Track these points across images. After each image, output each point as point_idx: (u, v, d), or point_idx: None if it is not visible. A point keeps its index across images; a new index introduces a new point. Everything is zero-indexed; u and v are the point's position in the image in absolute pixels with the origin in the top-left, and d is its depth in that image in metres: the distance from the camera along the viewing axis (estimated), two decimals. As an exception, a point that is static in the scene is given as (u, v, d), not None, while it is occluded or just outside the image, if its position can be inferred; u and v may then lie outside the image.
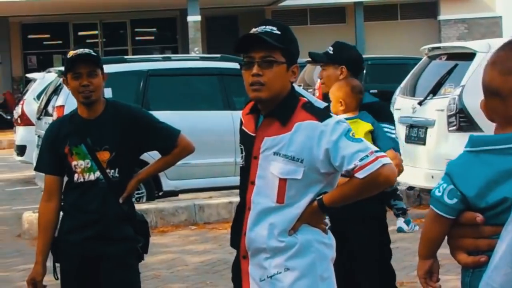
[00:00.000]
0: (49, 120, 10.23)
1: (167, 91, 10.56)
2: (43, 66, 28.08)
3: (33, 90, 15.60)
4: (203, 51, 25.18)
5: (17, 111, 15.42)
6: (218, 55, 11.18)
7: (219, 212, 10.16)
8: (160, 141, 4.40)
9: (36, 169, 4.51)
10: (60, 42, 32.04)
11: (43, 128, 10.64)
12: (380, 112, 4.95)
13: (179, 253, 8.59)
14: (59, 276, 4.38)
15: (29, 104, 14.71)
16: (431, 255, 2.67)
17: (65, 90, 9.92)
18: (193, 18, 25.05)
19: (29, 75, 19.11)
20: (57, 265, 4.35)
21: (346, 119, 4.14)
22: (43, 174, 4.42)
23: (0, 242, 9.52)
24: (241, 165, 3.58)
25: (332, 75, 4.99)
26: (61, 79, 4.01)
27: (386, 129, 4.86)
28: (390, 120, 4.96)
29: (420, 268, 2.70)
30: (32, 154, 11.85)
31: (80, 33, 32.00)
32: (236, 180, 4.02)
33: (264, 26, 3.39)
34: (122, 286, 4.34)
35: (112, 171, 4.27)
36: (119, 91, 9.92)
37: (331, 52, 5.02)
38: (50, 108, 10.63)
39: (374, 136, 4.78)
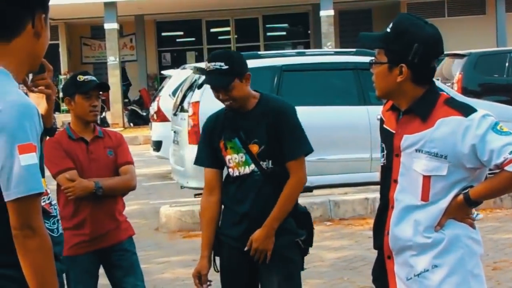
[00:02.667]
0: (185, 116, 10.36)
1: (302, 86, 10.49)
2: (176, 63, 28.66)
3: (169, 86, 15.87)
4: (336, 46, 25.03)
5: (153, 108, 15.72)
6: (353, 50, 11.03)
7: (354, 208, 10.04)
8: (284, 151, 4.30)
9: (195, 163, 4.50)
10: (193, 39, 32.59)
11: (179, 124, 10.81)
12: None
13: (315, 248, 8.47)
14: (219, 268, 4.42)
15: (165, 101, 14.96)
16: None
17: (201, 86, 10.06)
18: (326, 13, 24.95)
19: (164, 72, 19.49)
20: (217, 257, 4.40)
21: None
22: (193, 169, 4.41)
23: (139, 235, 9.67)
24: (382, 164, 3.52)
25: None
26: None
27: None
28: None
29: None
30: (168, 149, 12.05)
31: (212, 30, 32.45)
32: (371, 176, 3.91)
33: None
34: (281, 280, 4.29)
35: (265, 163, 4.25)
36: (254, 86, 9.91)
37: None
38: (185, 104, 10.76)
39: None
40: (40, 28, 2.82)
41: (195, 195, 9.94)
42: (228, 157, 4.28)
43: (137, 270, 5.18)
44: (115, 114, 25.95)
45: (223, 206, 4.40)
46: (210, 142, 4.35)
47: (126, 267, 5.14)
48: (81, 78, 5.00)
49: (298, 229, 4.37)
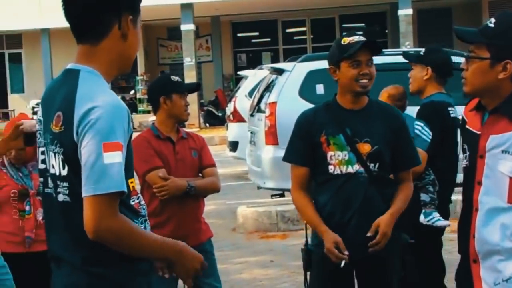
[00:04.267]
0: (262, 116, 10.34)
1: (380, 86, 10.34)
2: (252, 63, 28.71)
3: (245, 87, 15.88)
4: (414, 46, 24.68)
5: (229, 108, 15.74)
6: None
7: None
8: (403, 158, 4.22)
9: (285, 159, 4.36)
10: (269, 39, 32.60)
11: (256, 125, 10.79)
12: (420, 111, 5.18)
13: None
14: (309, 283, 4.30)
15: (241, 101, 14.97)
16: None
17: (278, 87, 10.02)
18: (405, 12, 24.65)
19: (240, 73, 19.51)
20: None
21: None
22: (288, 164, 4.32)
23: (216, 235, 9.68)
24: (464, 165, 3.40)
25: (417, 74, 5.23)
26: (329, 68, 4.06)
27: (416, 126, 5.05)
28: (422, 118, 5.07)
29: None
30: (245, 150, 12.05)
31: (288, 30, 32.42)
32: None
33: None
34: (379, 286, 4.23)
35: (372, 164, 4.11)
36: (332, 86, 9.84)
37: (421, 53, 5.32)
38: (262, 105, 10.74)
39: None
40: (127, 30, 2.85)
41: (272, 195, 9.93)
42: (330, 154, 4.13)
43: (215, 272, 5.18)
44: (191, 115, 25.80)
45: (313, 205, 4.25)
46: (306, 138, 4.20)
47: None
48: (174, 78, 5.11)
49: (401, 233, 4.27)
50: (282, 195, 9.96)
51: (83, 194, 2.66)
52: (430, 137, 5.04)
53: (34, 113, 28.43)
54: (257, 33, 33.08)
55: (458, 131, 4.89)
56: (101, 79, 2.81)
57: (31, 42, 31.83)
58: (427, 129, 5.05)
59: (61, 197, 2.80)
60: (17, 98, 32.06)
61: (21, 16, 29.23)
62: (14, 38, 32.28)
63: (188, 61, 26.22)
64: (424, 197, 5.12)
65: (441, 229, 5.20)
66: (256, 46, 32.85)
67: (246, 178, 12.37)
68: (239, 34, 33.10)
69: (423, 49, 5.50)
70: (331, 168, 4.15)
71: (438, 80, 5.24)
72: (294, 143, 4.32)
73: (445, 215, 5.19)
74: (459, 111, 4.44)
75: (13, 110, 31.80)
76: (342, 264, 4.05)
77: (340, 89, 4.22)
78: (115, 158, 2.64)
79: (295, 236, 9.04)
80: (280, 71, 10.38)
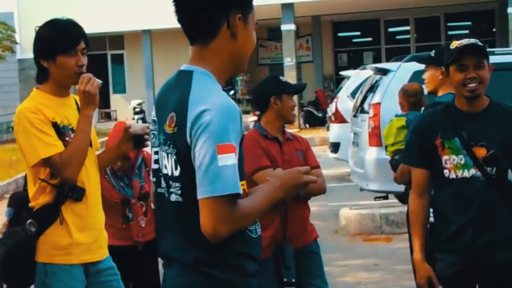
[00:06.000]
0: (365, 117, 10.21)
1: (491, 87, 10.04)
2: (353, 63, 28.51)
3: (347, 87, 15.72)
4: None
5: (330, 109, 15.62)
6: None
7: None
8: None
9: (403, 162, 4.40)
10: (370, 39, 32.33)
11: (359, 126, 10.66)
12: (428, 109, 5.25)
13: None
14: None
15: (343, 102, 14.84)
16: None
17: (382, 87, 9.87)
18: (516, 9, 24.01)
19: (343, 73, 19.36)
20: None
21: (398, 116, 5.87)
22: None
23: (318, 237, 9.64)
24: None
25: (433, 75, 5.33)
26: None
27: None
28: None
29: None
30: (346, 151, 11.92)
31: (390, 30, 32.07)
32: None
33: None
34: None
35: (489, 168, 3.96)
36: (438, 87, 9.63)
37: (432, 55, 5.44)
38: (366, 106, 10.61)
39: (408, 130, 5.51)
40: (236, 29, 2.82)
41: (376, 198, 9.79)
42: (445, 158, 4.01)
43: (322, 273, 5.12)
44: (291, 115, 26.10)
45: (431, 211, 4.16)
46: (423, 141, 4.09)
47: (311, 269, 5.07)
48: (283, 78, 5.15)
49: None
50: (386, 197, 9.82)
51: (199, 196, 2.67)
52: None
53: (136, 113, 28.94)
54: (358, 33, 32.85)
55: None
56: (214, 80, 2.80)
57: (133, 43, 32.41)
58: None
59: (173, 197, 2.82)
60: (119, 99, 32.71)
61: (123, 18, 29.80)
62: (116, 39, 32.94)
63: (289, 61, 26.22)
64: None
65: None
66: (357, 46, 32.62)
67: (348, 180, 12.23)
68: (340, 34, 32.94)
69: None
70: (446, 172, 4.03)
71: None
72: (411, 146, 4.25)
73: None
74: None
75: (115, 110, 32.48)
76: None
77: (457, 93, 4.10)
78: (229, 160, 2.64)
79: (400, 240, 8.89)
80: (384, 71, 10.23)
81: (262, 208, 2.77)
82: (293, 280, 4.68)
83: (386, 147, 5.73)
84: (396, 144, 5.59)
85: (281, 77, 5.11)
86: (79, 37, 3.98)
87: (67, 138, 3.96)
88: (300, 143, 5.14)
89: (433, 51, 5.53)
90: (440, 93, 5.37)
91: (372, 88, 10.77)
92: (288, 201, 4.80)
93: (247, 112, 24.32)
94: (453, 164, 3.99)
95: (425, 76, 5.45)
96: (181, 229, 2.81)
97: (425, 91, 5.70)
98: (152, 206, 5.46)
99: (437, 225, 4.11)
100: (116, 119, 31.31)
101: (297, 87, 5.30)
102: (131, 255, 5.24)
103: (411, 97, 5.95)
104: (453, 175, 4.00)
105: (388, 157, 6.35)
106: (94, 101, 3.97)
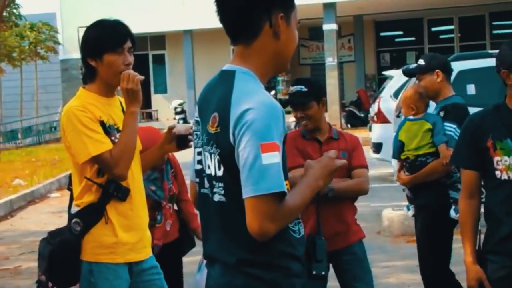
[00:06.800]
0: (408, 117, 10.11)
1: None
2: (395, 63, 28.33)
3: (390, 87, 15.57)
4: None
5: (373, 109, 15.51)
6: None
7: None
8: None
9: (452, 162, 4.35)
10: (413, 38, 32.12)
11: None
12: (448, 112, 5.48)
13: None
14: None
15: (386, 102, 14.71)
16: None
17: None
18: None
19: (386, 73, 19.22)
20: None
21: (413, 120, 5.60)
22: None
23: (361, 238, 9.62)
24: None
25: (431, 80, 5.57)
26: None
27: (446, 127, 5.43)
28: (453, 119, 5.41)
29: None
30: (389, 151, 11.78)
31: (433, 29, 31.81)
32: None
33: None
34: None
35: None
36: (483, 87, 9.54)
37: (423, 63, 5.64)
38: (409, 105, 10.49)
39: (432, 133, 5.51)
40: (278, 28, 2.80)
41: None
42: (496, 159, 3.91)
43: (366, 276, 5.03)
44: (332, 115, 26.00)
45: (484, 215, 4.07)
46: (474, 142, 4.00)
47: (354, 272, 5.01)
48: (292, 90, 5.12)
49: None
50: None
51: (244, 196, 2.66)
52: None
53: (177, 113, 29.08)
54: (401, 32, 32.65)
55: None
56: (256, 80, 2.80)
57: (174, 43, 32.59)
58: (454, 128, 5.37)
59: (216, 197, 2.81)
60: (160, 98, 32.90)
61: (164, 18, 29.96)
62: (158, 40, 33.15)
63: (330, 61, 26.14)
64: (453, 194, 5.40)
65: None
66: (400, 46, 32.42)
67: (391, 180, 12.15)
68: (382, 33, 32.76)
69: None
70: (498, 174, 3.93)
71: (448, 80, 5.67)
72: (460, 147, 4.16)
73: None
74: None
75: (156, 110, 32.67)
76: None
77: (509, 92, 3.99)
78: (273, 158, 2.63)
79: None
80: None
81: (305, 201, 2.77)
82: (323, 273, 4.57)
83: (402, 150, 5.66)
84: (422, 147, 5.56)
85: (292, 88, 5.03)
86: (126, 36, 4.01)
87: (112, 138, 3.97)
88: (346, 142, 5.07)
89: (422, 60, 5.70)
90: (443, 96, 5.56)
91: (416, 88, 10.64)
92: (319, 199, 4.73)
93: (288, 112, 24.33)
94: (505, 166, 3.90)
95: (424, 84, 5.61)
96: (224, 229, 2.81)
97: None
98: (175, 207, 5.47)
99: (489, 227, 4.03)
100: (157, 119, 31.50)
101: (290, 101, 5.07)
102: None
103: (426, 99, 5.92)
104: (505, 177, 3.91)
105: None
106: (138, 98, 3.97)
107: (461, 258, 4.11)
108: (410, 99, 5.71)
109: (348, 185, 4.93)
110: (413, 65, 5.89)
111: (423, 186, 5.58)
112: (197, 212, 5.43)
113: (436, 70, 5.57)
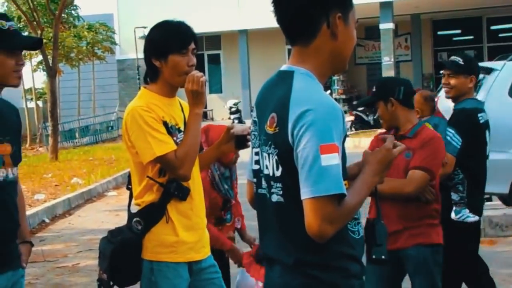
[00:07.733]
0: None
1: None
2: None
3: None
4: None
5: (430, 108, 15.33)
6: None
7: None
8: None
9: None
10: (472, 37, 31.69)
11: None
12: (452, 116, 5.49)
13: None
14: None
15: (444, 101, 14.47)
16: None
17: (486, 86, 9.63)
18: None
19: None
20: None
21: None
22: None
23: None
24: None
25: (463, 83, 5.45)
26: None
27: (447, 131, 5.35)
28: (453, 124, 5.39)
29: None
30: (448, 151, 11.64)
31: (493, 27, 31.32)
32: None
33: None
34: None
35: None
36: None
37: (461, 62, 5.50)
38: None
39: None
40: (336, 28, 2.78)
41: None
42: None
43: (418, 281, 4.82)
44: (388, 115, 25.78)
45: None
46: None
47: (410, 274, 4.87)
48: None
49: None
50: (489, 199, 9.54)
51: (302, 197, 2.64)
52: (460, 143, 5.33)
53: (232, 113, 29.13)
54: (459, 31, 32.24)
55: (487, 133, 5.49)
56: (315, 80, 2.78)
57: (229, 43, 32.68)
58: (457, 136, 5.34)
59: (274, 198, 2.80)
60: (215, 98, 33.01)
61: (220, 18, 30.05)
62: (213, 40, 33.27)
63: (387, 60, 25.94)
64: (454, 196, 5.47)
65: (472, 225, 5.53)
66: (458, 44, 31.98)
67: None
68: (439, 32, 32.39)
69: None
70: None
71: (476, 86, 5.78)
72: None
73: (476, 211, 5.54)
74: None
75: (211, 110, 32.78)
76: None
77: None
78: (332, 160, 2.60)
79: (504, 243, 8.68)
80: (488, 70, 9.98)
81: (361, 199, 2.75)
82: (383, 257, 4.34)
83: None
84: None
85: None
86: (191, 37, 4.02)
87: (175, 138, 3.98)
88: (417, 141, 4.68)
89: (460, 59, 5.55)
90: (460, 99, 5.51)
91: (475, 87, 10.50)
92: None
93: (345, 112, 24.13)
94: None
95: (452, 82, 5.49)
96: (282, 229, 2.80)
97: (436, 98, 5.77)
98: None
99: None
100: (212, 119, 31.62)
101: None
102: None
103: (432, 102, 6.03)
104: None
105: None
106: (202, 100, 3.98)
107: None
108: (416, 102, 5.65)
109: (390, 186, 4.53)
110: (450, 59, 5.62)
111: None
112: (243, 214, 5.43)
113: (472, 76, 5.48)
